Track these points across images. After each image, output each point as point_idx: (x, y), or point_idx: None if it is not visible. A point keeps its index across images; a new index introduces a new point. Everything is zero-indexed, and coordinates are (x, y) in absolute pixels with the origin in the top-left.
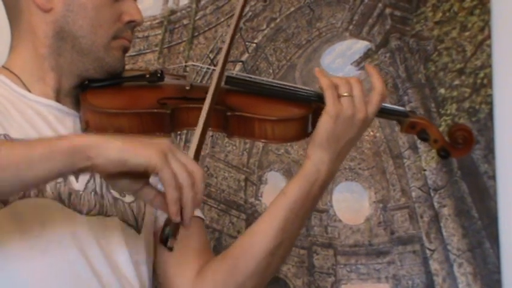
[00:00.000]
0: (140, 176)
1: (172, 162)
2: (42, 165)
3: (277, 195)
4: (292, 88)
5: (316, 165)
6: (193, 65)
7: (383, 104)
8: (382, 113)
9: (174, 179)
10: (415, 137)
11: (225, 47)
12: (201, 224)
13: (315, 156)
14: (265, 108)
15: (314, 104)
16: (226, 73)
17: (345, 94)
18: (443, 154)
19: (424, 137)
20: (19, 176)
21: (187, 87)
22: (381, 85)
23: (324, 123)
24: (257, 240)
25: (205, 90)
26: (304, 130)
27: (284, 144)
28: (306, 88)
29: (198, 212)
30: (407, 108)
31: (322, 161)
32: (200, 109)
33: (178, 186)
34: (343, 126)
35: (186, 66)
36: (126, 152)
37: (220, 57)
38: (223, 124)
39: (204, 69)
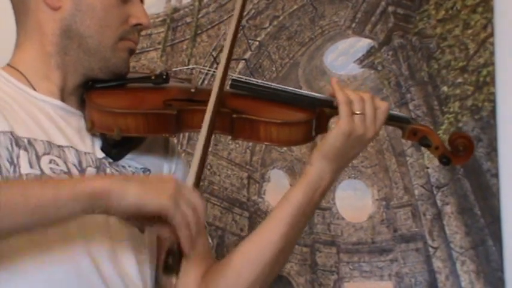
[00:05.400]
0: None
1: (182, 204)
2: (67, 207)
3: (280, 201)
4: (296, 93)
5: (319, 173)
6: (198, 68)
7: None
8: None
9: (185, 220)
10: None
11: (225, 50)
12: (203, 228)
13: (319, 165)
14: (271, 112)
15: (318, 108)
16: (231, 77)
17: (358, 112)
18: (445, 161)
19: (425, 143)
20: (44, 217)
21: (193, 90)
22: (385, 103)
23: (335, 138)
24: (261, 249)
25: (210, 93)
26: (308, 134)
27: (288, 147)
28: (309, 93)
29: None
30: (411, 106)
31: (326, 171)
32: (205, 111)
33: (188, 225)
34: (353, 144)
35: (192, 68)
36: (142, 199)
37: (221, 62)
38: (229, 126)
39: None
